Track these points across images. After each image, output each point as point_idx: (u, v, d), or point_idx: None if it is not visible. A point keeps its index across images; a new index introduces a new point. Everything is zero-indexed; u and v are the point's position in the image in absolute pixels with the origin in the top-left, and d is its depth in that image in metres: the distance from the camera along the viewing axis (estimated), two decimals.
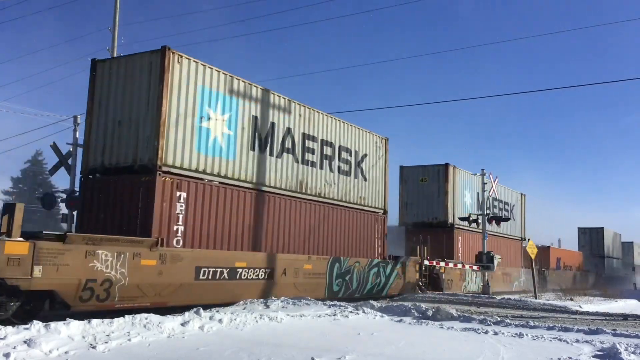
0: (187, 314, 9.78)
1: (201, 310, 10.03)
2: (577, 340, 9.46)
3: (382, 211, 20.25)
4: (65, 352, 6.93)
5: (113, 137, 12.92)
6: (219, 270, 12.92)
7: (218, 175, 13.55)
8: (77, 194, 12.72)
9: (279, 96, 15.76)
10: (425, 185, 26.96)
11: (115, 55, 28.20)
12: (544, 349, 8.61)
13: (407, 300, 16.76)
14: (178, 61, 12.59)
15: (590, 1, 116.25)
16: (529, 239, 26.03)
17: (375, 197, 19.88)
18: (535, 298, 21.72)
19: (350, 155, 18.71)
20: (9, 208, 9.27)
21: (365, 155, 19.54)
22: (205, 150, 13.24)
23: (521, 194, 34.61)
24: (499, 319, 12.16)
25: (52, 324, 7.70)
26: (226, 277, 13.13)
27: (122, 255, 10.63)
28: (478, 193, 27.50)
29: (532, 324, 11.60)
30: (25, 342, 7.02)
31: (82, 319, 8.27)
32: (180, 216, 12.42)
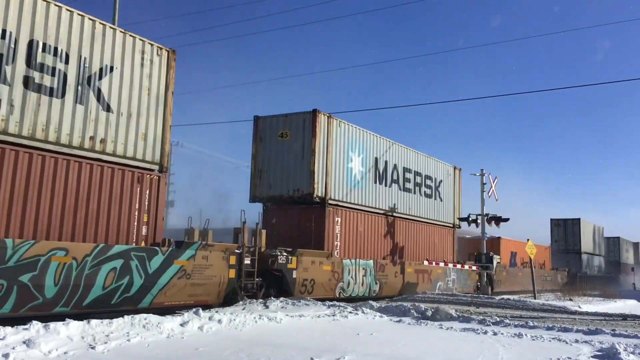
0: (186, 314, 9.79)
1: (200, 310, 10.03)
2: (577, 341, 9.47)
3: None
4: (65, 353, 6.93)
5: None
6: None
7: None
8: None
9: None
10: (286, 142, 17.93)
11: None
12: (543, 349, 8.61)
13: (407, 301, 16.77)
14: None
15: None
16: (528, 239, 25.97)
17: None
18: (535, 298, 21.73)
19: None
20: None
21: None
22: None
23: (454, 168, 26.66)
24: (498, 319, 12.17)
25: (52, 324, 7.70)
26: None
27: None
28: (377, 159, 20.28)
29: (531, 324, 11.60)
30: (24, 342, 7.02)
31: (82, 319, 8.27)
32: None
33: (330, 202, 17.64)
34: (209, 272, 12.43)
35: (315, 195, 17.05)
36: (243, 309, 11.94)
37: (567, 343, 9.28)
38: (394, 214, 21.26)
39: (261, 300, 13.30)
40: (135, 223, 11.55)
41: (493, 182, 26.98)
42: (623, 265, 59.40)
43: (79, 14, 10.83)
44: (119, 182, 11.32)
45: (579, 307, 17.90)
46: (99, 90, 11.17)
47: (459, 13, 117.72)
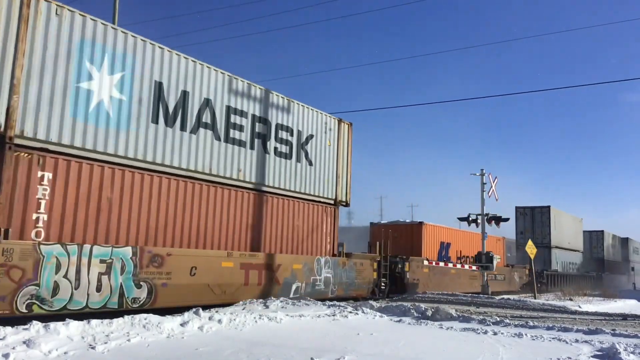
0: (186, 314, 9.79)
1: (200, 310, 10.03)
2: (577, 340, 9.47)
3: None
4: (65, 353, 6.93)
5: None
6: None
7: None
8: None
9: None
10: None
11: None
12: (544, 349, 8.61)
13: (407, 301, 16.77)
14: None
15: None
16: (528, 239, 25.96)
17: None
18: (535, 298, 21.74)
19: (293, 135, 16.12)
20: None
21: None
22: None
23: (339, 121, 18.26)
24: (498, 319, 12.17)
25: (52, 325, 7.70)
26: None
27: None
28: (161, 84, 12.32)
29: (531, 324, 11.60)
30: (24, 342, 7.02)
31: (82, 319, 8.27)
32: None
33: (20, 141, 9.74)
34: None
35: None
36: (243, 309, 11.94)
37: (567, 343, 9.28)
38: (201, 177, 13.14)
39: (261, 300, 13.30)
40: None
41: (493, 182, 26.97)
42: (609, 262, 51.90)
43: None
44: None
45: (579, 307, 17.92)
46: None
47: (453, 14, 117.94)
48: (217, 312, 10.60)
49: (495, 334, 10.11)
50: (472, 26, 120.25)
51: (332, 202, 17.55)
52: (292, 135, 16.13)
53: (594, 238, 50.97)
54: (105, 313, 10.16)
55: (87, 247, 10.24)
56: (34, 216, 9.83)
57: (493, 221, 27.77)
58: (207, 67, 13.53)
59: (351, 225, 59.45)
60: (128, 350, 7.36)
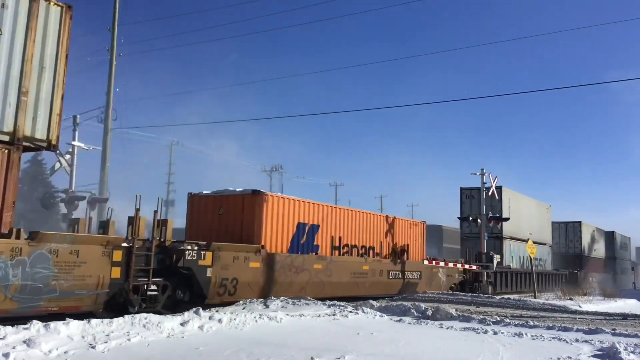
0: (186, 313, 9.78)
1: (200, 310, 10.02)
2: (577, 340, 9.47)
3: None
4: (65, 352, 6.93)
5: None
6: None
7: None
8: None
9: None
10: None
11: (114, 55, 28.24)
12: (544, 349, 8.61)
13: (407, 300, 16.76)
14: None
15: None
16: (528, 239, 25.95)
17: None
18: (535, 298, 21.74)
19: None
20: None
21: None
22: None
23: None
24: (498, 318, 12.17)
25: (52, 324, 7.70)
26: None
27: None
28: None
29: (531, 323, 11.60)
30: (24, 342, 7.02)
31: (82, 319, 8.27)
32: None
33: None
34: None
35: None
36: (243, 309, 11.95)
37: (567, 342, 9.28)
38: None
39: (261, 300, 13.27)
40: None
41: (493, 182, 26.96)
42: (589, 260, 44.16)
43: None
44: None
45: (579, 306, 17.91)
46: None
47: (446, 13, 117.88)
48: (217, 311, 10.60)
49: (495, 333, 10.11)
50: (465, 26, 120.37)
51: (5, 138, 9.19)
52: None
53: (569, 230, 43.16)
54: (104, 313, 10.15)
55: None
56: None
57: (493, 221, 27.76)
58: None
59: None
60: (128, 349, 7.36)
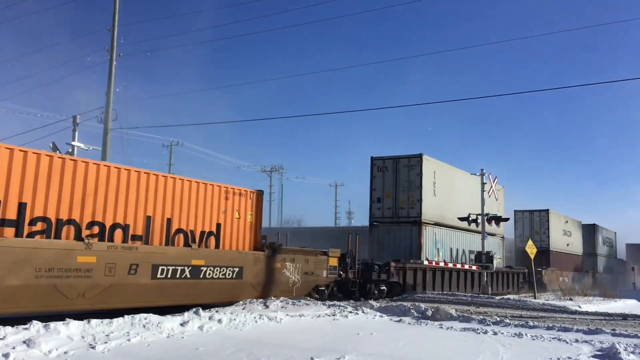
0: (186, 314, 9.79)
1: (200, 310, 10.03)
2: (577, 340, 9.47)
3: None
4: (65, 352, 6.93)
5: None
6: None
7: None
8: None
9: None
10: None
11: (114, 55, 28.25)
12: (544, 349, 8.61)
13: (407, 300, 16.77)
14: None
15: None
16: (529, 240, 25.95)
17: None
18: (535, 298, 21.74)
19: None
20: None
21: None
22: None
23: None
24: (498, 319, 12.17)
25: (52, 324, 7.70)
26: None
27: None
28: None
29: (531, 324, 11.60)
30: (24, 342, 7.02)
31: (82, 319, 8.27)
32: None
33: None
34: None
35: None
36: (243, 309, 11.95)
37: (567, 343, 9.28)
38: None
39: (261, 300, 13.29)
40: None
41: (493, 182, 26.96)
42: (558, 256, 37.03)
43: None
44: None
45: (579, 306, 17.91)
46: None
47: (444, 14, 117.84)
48: (217, 311, 10.60)
49: (495, 333, 10.11)
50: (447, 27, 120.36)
51: None
52: None
53: (535, 220, 35.92)
54: (105, 313, 10.15)
55: None
56: None
57: (493, 221, 27.76)
58: None
59: (351, 225, 59.37)
60: (128, 349, 7.36)
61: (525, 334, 10.01)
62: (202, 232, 13.19)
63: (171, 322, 8.86)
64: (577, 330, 10.73)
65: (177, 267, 11.99)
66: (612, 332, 10.58)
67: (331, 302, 13.64)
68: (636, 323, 13.20)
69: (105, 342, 7.48)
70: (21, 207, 9.74)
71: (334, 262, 16.79)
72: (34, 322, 7.70)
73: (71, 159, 10.84)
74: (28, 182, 9.88)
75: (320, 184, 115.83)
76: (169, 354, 7.22)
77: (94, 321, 8.20)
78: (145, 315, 8.97)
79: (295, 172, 78.97)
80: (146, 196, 11.94)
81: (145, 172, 12.08)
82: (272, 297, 13.73)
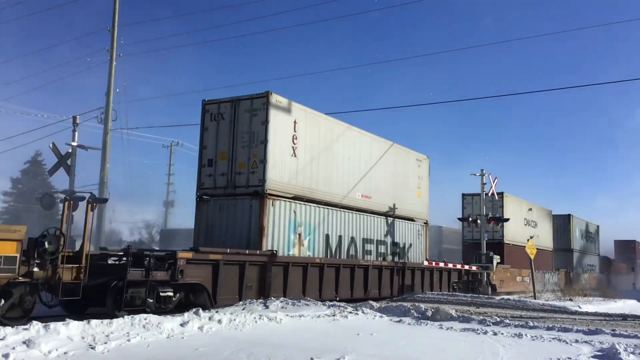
0: (186, 314, 9.78)
1: (200, 310, 10.03)
2: (577, 341, 9.47)
3: None
4: (65, 353, 6.93)
5: None
6: None
7: None
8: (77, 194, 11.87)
9: None
10: None
11: (114, 55, 28.23)
12: (544, 349, 8.61)
13: (407, 301, 16.77)
14: None
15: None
16: (528, 239, 25.93)
17: None
18: (535, 298, 21.74)
19: None
20: None
21: None
22: None
23: None
24: (498, 319, 12.17)
25: (52, 325, 7.70)
26: None
27: None
28: None
29: (531, 324, 11.60)
30: (24, 342, 7.02)
31: (82, 320, 8.27)
32: None
33: None
34: None
35: None
36: (243, 309, 11.94)
37: (567, 343, 9.28)
38: None
39: (261, 300, 13.27)
40: None
41: (493, 182, 26.95)
42: (515, 250, 31.09)
43: None
44: None
45: (579, 307, 17.90)
46: None
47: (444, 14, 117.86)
48: (217, 312, 10.60)
49: (495, 334, 10.11)
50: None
51: None
52: None
53: (486, 206, 28.65)
54: (105, 313, 10.16)
55: None
56: None
57: (493, 221, 27.73)
58: None
59: None
60: (128, 350, 7.36)
61: (525, 335, 10.00)
62: None
63: (171, 323, 8.86)
64: (577, 331, 10.73)
65: None
66: (612, 332, 10.58)
67: (331, 303, 13.59)
68: (636, 323, 13.20)
69: (105, 343, 7.48)
70: None
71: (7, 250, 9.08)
72: (34, 322, 7.70)
73: None
74: None
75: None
76: (169, 355, 7.22)
77: (93, 321, 8.20)
78: (145, 315, 8.97)
79: None
80: None
81: None
82: (272, 297, 13.66)
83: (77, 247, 10.51)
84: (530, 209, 35.07)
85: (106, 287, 10.42)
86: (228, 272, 13.04)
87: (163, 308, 11.22)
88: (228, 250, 13.22)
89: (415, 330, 10.70)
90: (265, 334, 9.16)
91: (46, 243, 9.49)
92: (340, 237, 17.72)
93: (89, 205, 10.10)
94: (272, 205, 14.97)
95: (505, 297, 21.60)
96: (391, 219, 20.26)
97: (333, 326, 10.55)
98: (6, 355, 6.46)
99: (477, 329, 10.60)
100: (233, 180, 15.38)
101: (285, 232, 15.39)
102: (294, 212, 15.83)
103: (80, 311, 10.90)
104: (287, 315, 11.05)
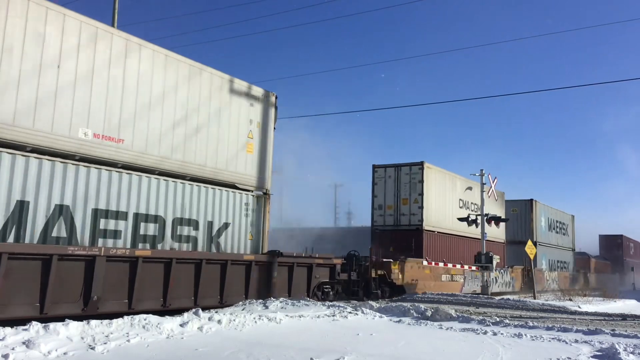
0: (186, 314, 9.78)
1: (200, 310, 10.02)
2: (576, 341, 9.47)
3: None
4: (64, 353, 6.92)
5: None
6: None
7: None
8: None
9: None
10: None
11: None
12: (543, 349, 8.61)
13: (406, 301, 16.77)
14: None
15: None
16: (528, 239, 25.93)
17: None
18: (534, 298, 21.75)
19: None
20: None
21: None
22: None
23: None
24: (497, 319, 12.17)
25: (51, 325, 7.69)
26: None
27: None
28: None
29: (531, 324, 11.61)
30: (24, 343, 7.02)
31: (82, 320, 8.27)
32: None
33: None
34: None
35: None
36: (243, 310, 11.94)
37: (566, 343, 9.28)
38: None
39: (261, 300, 13.28)
40: None
41: (493, 182, 26.95)
42: (444, 239, 25.16)
43: None
44: None
45: (579, 307, 17.91)
46: None
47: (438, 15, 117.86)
48: (216, 312, 10.60)
49: (495, 334, 10.11)
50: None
51: None
52: None
53: (402, 181, 23.88)
54: (105, 314, 10.15)
55: None
56: None
57: (493, 221, 27.73)
58: None
59: (351, 226, 59.12)
60: (128, 350, 7.36)
61: (525, 335, 10.01)
62: None
63: (171, 323, 8.85)
64: (577, 331, 10.73)
65: None
66: (611, 332, 10.58)
67: (331, 303, 13.61)
68: (635, 323, 13.20)
69: (105, 343, 7.48)
70: None
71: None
72: (34, 322, 7.69)
73: None
74: None
75: (320, 185, 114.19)
76: (169, 355, 7.22)
77: (93, 322, 8.20)
78: (144, 315, 8.97)
79: (294, 172, 78.81)
80: None
81: None
82: (272, 298, 13.68)
83: None
84: (469, 188, 27.55)
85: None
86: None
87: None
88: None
89: (414, 330, 10.70)
90: (265, 334, 9.16)
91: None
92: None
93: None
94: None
95: (505, 297, 21.61)
96: (178, 181, 12.36)
97: (333, 326, 10.55)
98: (6, 356, 6.46)
99: (477, 329, 10.60)
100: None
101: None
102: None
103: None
104: (286, 315, 11.05)
